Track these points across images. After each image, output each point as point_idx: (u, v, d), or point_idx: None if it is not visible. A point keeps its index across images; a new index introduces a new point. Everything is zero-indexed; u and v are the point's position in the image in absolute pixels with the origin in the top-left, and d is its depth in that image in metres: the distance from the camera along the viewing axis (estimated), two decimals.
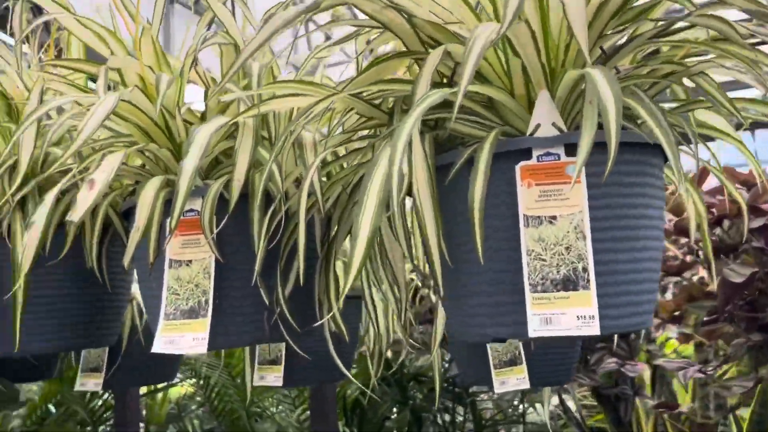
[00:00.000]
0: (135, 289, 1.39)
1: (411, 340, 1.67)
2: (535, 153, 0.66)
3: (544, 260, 0.65)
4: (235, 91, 0.79)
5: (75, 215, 0.65)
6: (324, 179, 0.89)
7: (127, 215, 0.96)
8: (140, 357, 1.58)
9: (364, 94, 0.74)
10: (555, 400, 3.47)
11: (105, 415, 2.88)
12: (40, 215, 0.78)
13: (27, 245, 0.76)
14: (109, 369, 1.53)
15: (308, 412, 2.85)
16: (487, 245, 0.65)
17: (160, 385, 3.12)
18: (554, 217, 0.65)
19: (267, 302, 0.80)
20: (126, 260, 0.74)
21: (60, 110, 0.95)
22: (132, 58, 0.78)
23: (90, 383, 1.52)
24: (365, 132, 0.83)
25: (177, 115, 0.82)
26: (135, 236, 0.73)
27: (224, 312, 0.82)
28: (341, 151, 0.90)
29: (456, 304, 0.74)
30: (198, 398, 3.16)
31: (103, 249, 0.97)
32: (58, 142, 0.93)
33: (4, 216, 0.92)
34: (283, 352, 1.43)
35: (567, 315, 0.63)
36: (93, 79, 0.96)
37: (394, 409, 2.81)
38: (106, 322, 1.06)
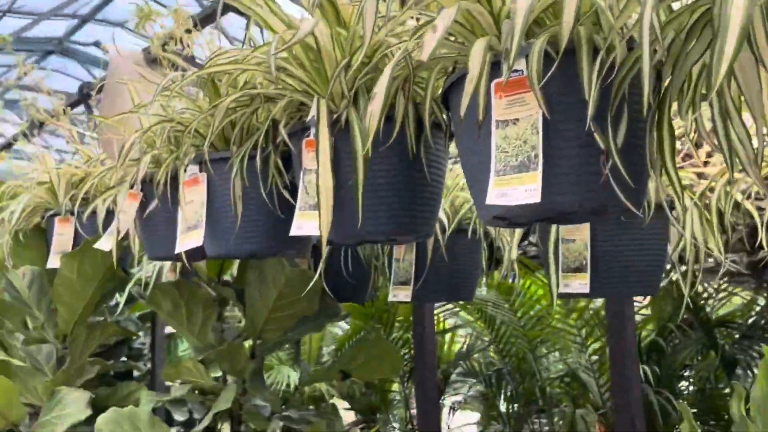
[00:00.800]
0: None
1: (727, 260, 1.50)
2: None
3: None
4: None
5: (424, 54, 0.69)
6: None
7: (445, 102, 1.01)
8: (443, 274, 1.68)
9: None
10: None
11: (401, 351, 3.14)
12: (380, 87, 0.85)
13: (371, 113, 0.84)
14: (416, 282, 1.65)
15: (595, 357, 2.75)
16: None
17: (448, 325, 3.30)
18: None
19: (603, 148, 0.77)
20: (462, 110, 0.77)
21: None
22: None
23: (401, 294, 1.66)
24: None
25: None
26: (469, 88, 0.75)
27: (553, 171, 0.81)
28: None
29: None
30: (479, 341, 3.26)
31: (424, 138, 1.04)
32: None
33: (342, 111, 1.03)
34: (588, 260, 1.39)
35: None
36: None
37: (695, 357, 2.57)
38: (425, 212, 1.13)
